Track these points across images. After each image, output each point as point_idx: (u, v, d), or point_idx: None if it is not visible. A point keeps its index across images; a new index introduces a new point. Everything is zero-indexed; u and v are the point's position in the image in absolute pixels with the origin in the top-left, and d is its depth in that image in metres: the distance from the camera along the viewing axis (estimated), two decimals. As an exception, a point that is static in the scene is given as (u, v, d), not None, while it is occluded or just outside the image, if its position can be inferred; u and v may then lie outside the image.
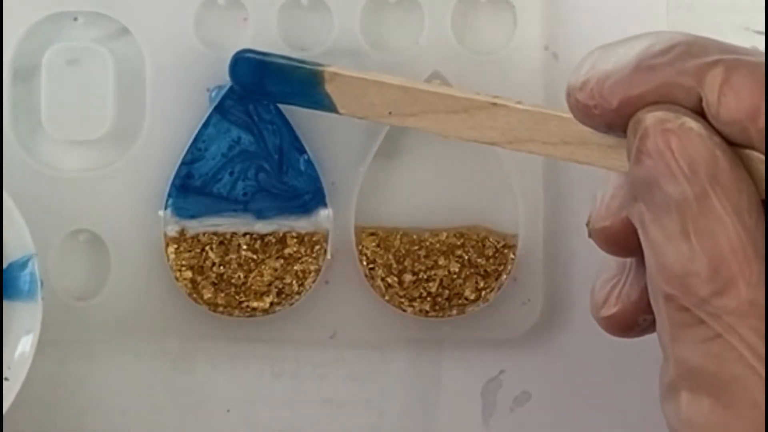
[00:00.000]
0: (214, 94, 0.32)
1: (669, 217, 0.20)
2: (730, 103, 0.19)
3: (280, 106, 0.32)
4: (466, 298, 0.32)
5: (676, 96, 0.20)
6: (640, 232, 0.21)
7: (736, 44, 0.21)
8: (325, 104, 0.29)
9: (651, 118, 0.20)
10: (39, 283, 0.28)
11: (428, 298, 0.32)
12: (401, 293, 0.32)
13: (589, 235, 0.25)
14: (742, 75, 0.19)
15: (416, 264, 0.32)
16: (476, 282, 0.32)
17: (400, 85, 0.27)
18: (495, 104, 0.24)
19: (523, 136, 0.24)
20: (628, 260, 0.24)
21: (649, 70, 0.21)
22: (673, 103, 0.20)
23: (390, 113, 0.27)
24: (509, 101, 0.24)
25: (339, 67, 0.28)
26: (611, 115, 0.21)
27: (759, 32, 0.35)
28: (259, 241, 0.32)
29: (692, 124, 0.20)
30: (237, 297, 0.32)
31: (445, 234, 0.33)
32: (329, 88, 0.28)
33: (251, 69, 0.31)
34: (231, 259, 0.32)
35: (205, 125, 0.32)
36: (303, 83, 0.30)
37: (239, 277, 0.32)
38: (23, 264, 0.28)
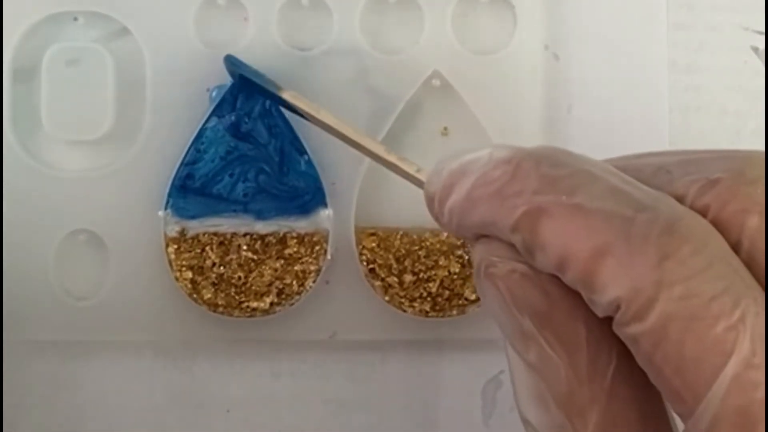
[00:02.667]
0: (214, 94, 0.32)
1: (514, 350, 0.19)
2: (537, 257, 0.18)
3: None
4: (466, 298, 0.32)
5: (499, 234, 0.19)
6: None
7: (575, 163, 0.18)
8: (300, 114, 0.29)
9: (478, 258, 0.19)
10: None
11: (428, 299, 0.32)
12: (401, 293, 0.32)
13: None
14: (547, 228, 0.18)
15: (416, 264, 0.32)
16: (476, 282, 0.32)
17: (328, 124, 0.27)
18: (397, 165, 0.24)
19: None
20: None
21: (475, 204, 0.19)
22: (500, 239, 0.19)
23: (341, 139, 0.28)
24: (411, 166, 0.24)
25: (290, 94, 0.29)
26: (456, 232, 0.20)
27: (759, 32, 0.35)
28: (259, 242, 0.32)
29: (516, 265, 0.19)
30: (237, 297, 0.32)
31: (445, 234, 0.33)
32: (294, 103, 0.29)
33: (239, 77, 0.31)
34: (231, 259, 0.32)
35: (205, 126, 0.32)
36: (274, 96, 0.30)
37: (239, 277, 0.32)
38: None
